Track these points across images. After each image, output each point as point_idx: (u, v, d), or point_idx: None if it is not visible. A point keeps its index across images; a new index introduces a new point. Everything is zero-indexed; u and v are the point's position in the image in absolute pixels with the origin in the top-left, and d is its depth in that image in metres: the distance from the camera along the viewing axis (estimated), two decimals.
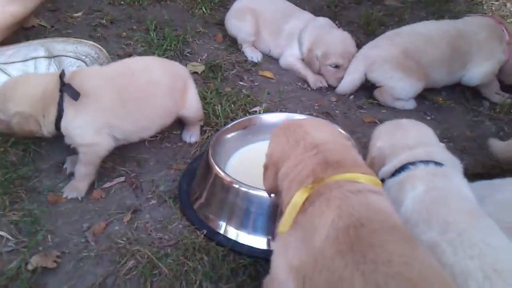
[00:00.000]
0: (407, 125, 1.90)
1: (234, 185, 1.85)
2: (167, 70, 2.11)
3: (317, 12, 3.64)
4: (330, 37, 2.85)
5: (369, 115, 2.66)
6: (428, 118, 2.67)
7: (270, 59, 3.08)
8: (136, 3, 3.48)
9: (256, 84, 2.82)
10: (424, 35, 2.73)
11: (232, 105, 2.53)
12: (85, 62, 2.20)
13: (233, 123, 2.19)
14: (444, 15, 3.84)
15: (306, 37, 2.90)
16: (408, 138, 1.82)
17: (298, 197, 1.33)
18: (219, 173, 1.89)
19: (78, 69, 2.07)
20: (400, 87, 2.70)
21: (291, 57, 2.96)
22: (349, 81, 2.79)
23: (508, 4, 4.05)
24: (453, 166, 1.74)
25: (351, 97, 2.80)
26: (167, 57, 2.81)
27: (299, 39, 2.93)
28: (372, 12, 3.76)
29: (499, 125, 2.68)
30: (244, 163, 2.12)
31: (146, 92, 2.01)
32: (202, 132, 2.35)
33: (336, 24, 3.26)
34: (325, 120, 1.86)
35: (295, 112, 2.57)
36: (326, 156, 1.41)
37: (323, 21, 2.98)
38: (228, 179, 1.87)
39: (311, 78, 2.87)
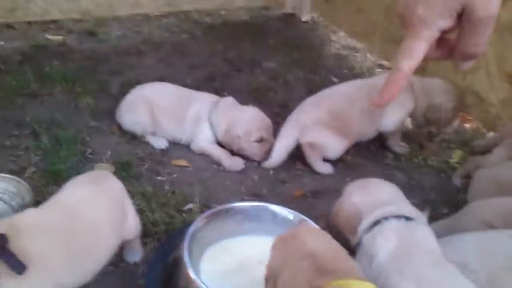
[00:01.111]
0: (379, 182, 2.08)
1: None
2: (104, 195, 1.89)
3: (201, 84, 3.74)
4: (245, 114, 2.93)
5: (296, 188, 2.76)
6: (348, 179, 2.85)
7: (178, 146, 3.03)
8: (7, 102, 3.19)
9: (174, 176, 2.75)
10: (343, 94, 3.03)
11: (165, 208, 2.43)
12: (3, 201, 1.93)
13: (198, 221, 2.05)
14: (318, 71, 4.23)
15: (219, 118, 2.93)
16: (382, 194, 1.98)
17: None
18: None
19: (10, 221, 1.62)
20: (331, 145, 2.93)
21: (203, 141, 2.96)
22: (282, 147, 2.91)
23: (369, 55, 4.59)
24: (421, 220, 1.88)
25: (271, 172, 2.89)
26: (69, 165, 2.63)
27: (210, 121, 2.95)
28: (257, 77, 3.98)
29: (408, 174, 2.98)
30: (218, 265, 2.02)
31: (92, 235, 1.78)
32: (143, 244, 2.21)
33: (225, 94, 3.38)
34: (317, 229, 1.92)
35: (226, 200, 2.56)
36: (321, 264, 1.43)
37: (230, 101, 3.05)
38: None
39: (227, 162, 2.89)
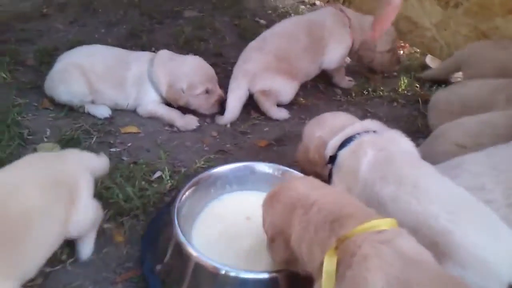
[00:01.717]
0: (332, 114, 2.20)
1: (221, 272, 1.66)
2: (39, 181, 1.62)
3: (124, 42, 3.47)
4: (186, 66, 2.76)
5: (258, 138, 2.69)
6: (305, 121, 2.78)
7: (122, 112, 2.80)
8: None
9: (129, 145, 2.55)
10: (285, 34, 2.94)
11: (132, 180, 2.23)
12: None
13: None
14: (242, 15, 4.09)
15: (160, 75, 2.73)
16: (342, 120, 2.08)
17: (329, 264, 1.31)
18: (202, 262, 1.68)
19: None
20: (283, 89, 2.87)
21: (150, 104, 2.76)
22: (235, 100, 2.80)
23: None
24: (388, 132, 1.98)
25: (228, 125, 2.78)
26: (10, 151, 2.32)
27: (152, 80, 2.74)
28: (183, 28, 3.76)
29: (362, 107, 3.02)
30: (210, 228, 1.94)
31: (15, 226, 1.51)
32: (119, 225, 2.04)
33: (153, 50, 3.16)
34: (306, 177, 1.81)
35: (192, 161, 2.45)
36: (330, 210, 1.42)
37: (166, 54, 2.84)
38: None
39: (180, 122, 2.73)
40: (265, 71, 2.83)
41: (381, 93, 3.11)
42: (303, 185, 1.56)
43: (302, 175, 2.04)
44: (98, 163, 1.94)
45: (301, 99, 3.03)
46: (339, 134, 1.97)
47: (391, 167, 1.75)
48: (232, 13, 4.09)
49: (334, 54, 3.03)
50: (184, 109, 2.80)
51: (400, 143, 1.90)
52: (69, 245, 1.87)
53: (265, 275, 1.64)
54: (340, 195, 1.53)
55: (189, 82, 2.73)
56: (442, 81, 3.18)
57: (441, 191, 1.67)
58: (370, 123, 2.01)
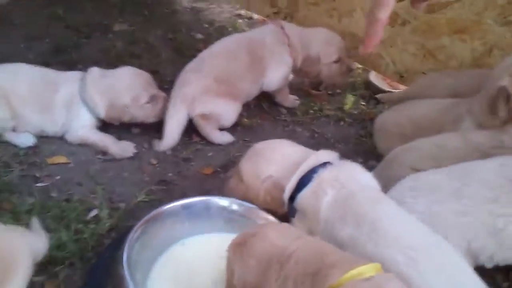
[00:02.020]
0: (276, 144, 2.01)
1: None
2: None
3: (48, 58, 3.17)
4: (123, 79, 2.55)
5: (203, 165, 2.49)
6: (250, 143, 2.60)
7: (48, 139, 2.51)
8: None
9: (57, 178, 2.27)
10: (225, 54, 2.76)
11: (65, 222, 1.97)
12: None
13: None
14: (177, 28, 3.89)
15: (95, 95, 2.48)
16: (291, 153, 1.93)
17: None
18: None
19: None
20: (225, 112, 2.70)
21: (81, 129, 2.50)
22: (174, 126, 2.59)
23: (225, 6, 4.36)
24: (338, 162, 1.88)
25: (169, 152, 2.56)
26: None
27: (86, 102, 2.49)
28: (114, 43, 3.50)
29: (308, 127, 2.91)
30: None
31: None
32: (53, 276, 1.77)
33: (81, 68, 2.89)
34: (279, 224, 1.66)
35: (132, 195, 2.21)
36: (310, 261, 1.29)
37: (97, 71, 2.58)
38: None
39: (115, 148, 2.49)
40: (205, 94, 2.65)
41: (327, 112, 3.03)
42: (277, 235, 1.41)
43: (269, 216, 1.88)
44: (41, 245, 1.62)
45: (245, 119, 2.87)
46: (295, 173, 1.82)
47: (350, 207, 1.66)
48: (166, 26, 3.87)
49: (274, 76, 2.90)
50: (119, 133, 2.58)
51: (359, 179, 1.79)
52: None
53: None
54: (319, 243, 1.39)
55: (132, 95, 2.53)
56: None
57: (400, 232, 1.56)
58: (325, 155, 1.88)
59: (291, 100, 3.08)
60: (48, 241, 1.62)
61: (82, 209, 2.07)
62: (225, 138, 2.72)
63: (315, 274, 1.24)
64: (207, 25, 4.04)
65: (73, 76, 2.58)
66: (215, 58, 2.79)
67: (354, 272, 1.22)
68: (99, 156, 2.48)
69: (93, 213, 2.08)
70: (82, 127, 2.51)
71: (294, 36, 2.94)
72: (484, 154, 2.08)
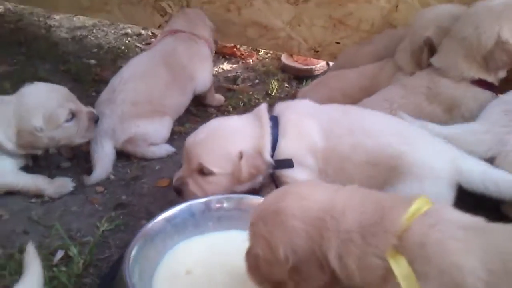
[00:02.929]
0: (218, 125, 2.03)
1: None
2: None
3: None
4: (31, 99, 2.18)
5: (156, 179, 2.32)
6: None
7: None
8: None
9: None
10: (138, 76, 2.58)
11: None
12: None
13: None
14: (65, 59, 3.61)
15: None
16: (238, 124, 1.99)
17: (401, 267, 1.12)
18: None
19: None
20: (152, 131, 2.51)
21: (5, 176, 2.16)
22: (102, 159, 2.35)
23: (105, 29, 4.14)
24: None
25: (112, 177, 2.33)
26: None
27: None
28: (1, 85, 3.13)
29: None
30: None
31: None
32: None
33: None
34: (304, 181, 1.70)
35: (93, 226, 1.99)
36: (369, 211, 1.23)
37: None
38: None
39: (50, 188, 2.20)
40: (123, 121, 2.46)
41: (256, 100, 3.00)
42: (313, 191, 1.32)
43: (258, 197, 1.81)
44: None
45: (180, 127, 2.74)
46: (263, 130, 1.92)
47: (337, 123, 1.92)
48: (52, 59, 3.57)
49: (204, 74, 2.85)
50: (48, 172, 2.32)
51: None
52: None
53: None
54: (360, 189, 1.33)
55: (45, 114, 2.16)
56: (307, 77, 3.23)
57: (383, 124, 1.94)
58: (263, 105, 2.03)
59: (217, 98, 3.01)
60: None
61: (45, 254, 1.81)
62: (164, 150, 2.57)
63: (381, 221, 1.18)
64: (96, 50, 3.80)
65: None
66: (127, 83, 2.58)
67: (413, 210, 1.19)
68: (33, 200, 2.19)
69: (60, 254, 1.83)
70: (4, 173, 2.18)
71: (196, 25, 2.93)
72: (423, 94, 2.26)
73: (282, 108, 2.02)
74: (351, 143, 1.87)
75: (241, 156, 1.88)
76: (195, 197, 1.88)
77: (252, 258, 1.38)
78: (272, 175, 1.95)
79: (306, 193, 1.30)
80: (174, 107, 2.70)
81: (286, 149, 1.88)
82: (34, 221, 2.05)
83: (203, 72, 2.83)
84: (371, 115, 2.00)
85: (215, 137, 1.95)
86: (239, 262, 1.49)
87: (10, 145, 2.16)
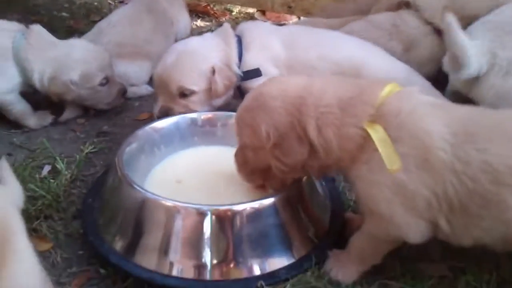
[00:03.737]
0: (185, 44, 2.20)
1: None
2: None
3: None
4: (76, 51, 2.21)
5: (137, 113, 2.39)
6: None
7: None
8: None
9: None
10: (125, 21, 2.66)
11: (27, 183, 1.73)
12: None
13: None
14: (35, 11, 3.60)
15: (34, 61, 2.13)
16: (202, 40, 2.15)
17: (378, 132, 1.26)
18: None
19: None
20: (131, 72, 2.57)
21: (3, 92, 2.15)
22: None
23: None
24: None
25: (92, 112, 2.38)
26: None
27: (20, 63, 2.12)
28: None
29: None
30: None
31: None
32: (34, 230, 1.57)
33: None
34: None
35: (77, 150, 2.04)
36: (348, 87, 1.35)
37: (44, 33, 2.23)
38: None
39: (32, 119, 2.24)
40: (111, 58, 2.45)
41: None
42: (293, 78, 1.45)
43: None
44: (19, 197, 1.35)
45: None
46: (229, 44, 2.07)
47: (294, 34, 2.15)
48: (21, 10, 3.55)
49: (185, 18, 2.96)
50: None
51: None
52: None
53: (268, 201, 1.45)
54: (335, 76, 1.52)
55: (83, 71, 2.20)
56: None
57: (344, 39, 2.18)
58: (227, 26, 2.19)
59: None
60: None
61: (33, 167, 1.89)
62: (144, 89, 2.61)
63: (359, 96, 1.30)
64: (67, 5, 3.79)
65: (8, 25, 2.24)
66: (116, 26, 2.67)
67: (388, 88, 1.32)
68: (13, 130, 2.21)
69: (47, 169, 1.90)
70: (4, 90, 2.17)
71: None
72: (386, 30, 2.43)
73: (244, 27, 2.21)
74: (316, 54, 2.07)
75: (213, 70, 2.02)
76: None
77: (240, 154, 1.51)
78: (240, 89, 2.11)
79: (284, 80, 1.45)
80: (158, 52, 2.67)
81: (250, 61, 2.07)
82: (17, 146, 2.11)
83: (183, 16, 2.93)
84: (332, 32, 2.27)
85: (186, 58, 2.06)
86: (229, 171, 1.62)
87: (38, 84, 2.18)
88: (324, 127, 1.30)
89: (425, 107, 1.28)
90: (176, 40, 2.89)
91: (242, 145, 1.47)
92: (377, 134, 1.24)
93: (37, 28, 2.21)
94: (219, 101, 2.06)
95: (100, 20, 3.00)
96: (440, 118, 1.25)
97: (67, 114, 2.34)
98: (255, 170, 1.48)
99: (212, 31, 3.42)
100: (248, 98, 1.45)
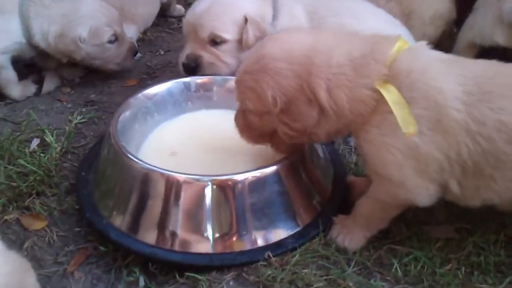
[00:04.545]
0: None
1: None
2: None
3: None
4: (84, 7, 2.07)
5: (124, 79, 2.28)
6: (157, 52, 2.54)
7: None
8: None
9: None
10: None
11: (14, 158, 1.69)
12: None
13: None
14: None
15: (43, 14, 2.00)
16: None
17: (392, 94, 1.19)
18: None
19: None
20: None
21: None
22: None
23: None
24: None
25: (77, 81, 2.28)
26: None
27: (24, 15, 1.99)
28: None
29: None
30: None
31: None
32: (26, 208, 1.51)
33: None
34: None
35: (65, 120, 1.96)
36: (357, 46, 1.26)
37: None
38: None
39: (17, 89, 2.12)
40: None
41: None
42: (294, 34, 1.34)
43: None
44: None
45: (142, 35, 2.68)
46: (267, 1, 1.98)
47: (322, 6, 1.97)
48: None
49: None
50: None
51: None
52: None
53: (270, 169, 1.39)
54: (340, 31, 1.43)
55: (92, 27, 2.07)
56: None
57: (366, 8, 2.02)
58: None
59: (178, 8, 2.97)
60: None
61: (20, 140, 1.80)
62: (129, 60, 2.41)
63: (371, 54, 1.22)
64: None
65: None
66: None
67: (398, 44, 1.24)
68: None
69: (35, 142, 1.82)
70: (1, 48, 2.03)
71: None
72: None
73: None
74: (337, 24, 1.91)
75: (246, 20, 1.92)
76: (215, 68, 1.92)
77: (242, 117, 1.41)
78: None
79: (285, 38, 1.33)
80: (144, 16, 2.66)
81: (279, 28, 1.92)
82: (0, 118, 2.01)
83: None
84: (355, 1, 2.09)
85: (219, 5, 1.96)
86: (223, 138, 1.57)
87: (43, 43, 2.05)
88: (335, 89, 1.22)
89: (437, 64, 1.22)
90: (161, 3, 2.80)
91: (244, 110, 1.38)
92: (390, 95, 1.18)
93: None
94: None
95: None
96: (453, 75, 1.19)
97: (47, 86, 2.21)
98: (259, 134, 1.40)
99: None
100: (249, 60, 1.33)
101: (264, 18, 1.94)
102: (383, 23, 1.94)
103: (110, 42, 2.14)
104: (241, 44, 1.92)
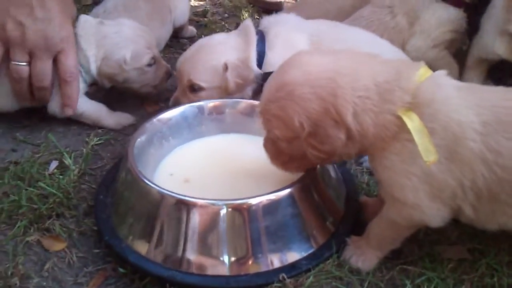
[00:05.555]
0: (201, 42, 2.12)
1: None
2: None
3: None
4: (124, 30, 2.09)
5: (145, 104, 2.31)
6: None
7: None
8: None
9: None
10: (120, 7, 2.51)
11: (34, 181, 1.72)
12: None
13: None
14: None
15: (89, 45, 2.03)
16: (220, 38, 2.08)
17: (413, 121, 1.21)
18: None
19: None
20: None
21: None
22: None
23: None
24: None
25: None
26: None
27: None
28: None
29: None
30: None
31: None
32: (46, 229, 1.54)
33: None
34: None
35: (82, 142, 1.99)
36: (382, 70, 1.27)
37: (90, 18, 2.12)
38: None
39: (111, 119, 2.11)
40: None
41: (229, 31, 2.94)
42: (314, 56, 1.34)
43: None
44: None
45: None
46: (248, 44, 1.96)
47: (326, 36, 2.00)
48: None
49: (183, 4, 2.81)
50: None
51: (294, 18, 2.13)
52: None
53: (284, 192, 1.41)
54: (361, 52, 1.38)
55: (134, 50, 2.08)
56: (277, 10, 3.25)
57: (370, 38, 2.08)
58: (248, 22, 2.07)
59: (190, 30, 3.00)
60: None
61: (40, 163, 1.84)
62: None
63: (395, 80, 1.25)
64: None
65: None
66: (110, 13, 2.49)
67: (421, 71, 1.27)
68: (16, 124, 2.11)
69: (54, 165, 1.85)
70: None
71: None
72: (387, 7, 2.32)
73: (269, 22, 2.09)
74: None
75: (226, 67, 1.94)
76: None
77: (270, 144, 1.44)
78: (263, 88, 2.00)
79: (305, 61, 1.33)
80: (156, 39, 2.66)
81: (274, 61, 1.90)
82: (20, 141, 2.03)
83: (181, 2, 2.80)
84: (358, 29, 2.11)
85: (200, 52, 2.00)
86: (238, 163, 1.64)
87: (94, 69, 2.07)
88: (362, 113, 1.24)
89: (457, 95, 1.25)
90: (174, 27, 2.83)
91: (272, 138, 1.40)
92: (413, 123, 1.20)
93: (83, 18, 2.08)
94: None
95: (91, 4, 2.96)
96: (471, 107, 1.22)
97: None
98: (289, 159, 1.43)
99: (206, 11, 3.45)
100: (269, 89, 1.35)
101: (248, 60, 1.94)
102: (388, 53, 1.87)
103: (148, 65, 2.14)
104: (222, 89, 1.95)
